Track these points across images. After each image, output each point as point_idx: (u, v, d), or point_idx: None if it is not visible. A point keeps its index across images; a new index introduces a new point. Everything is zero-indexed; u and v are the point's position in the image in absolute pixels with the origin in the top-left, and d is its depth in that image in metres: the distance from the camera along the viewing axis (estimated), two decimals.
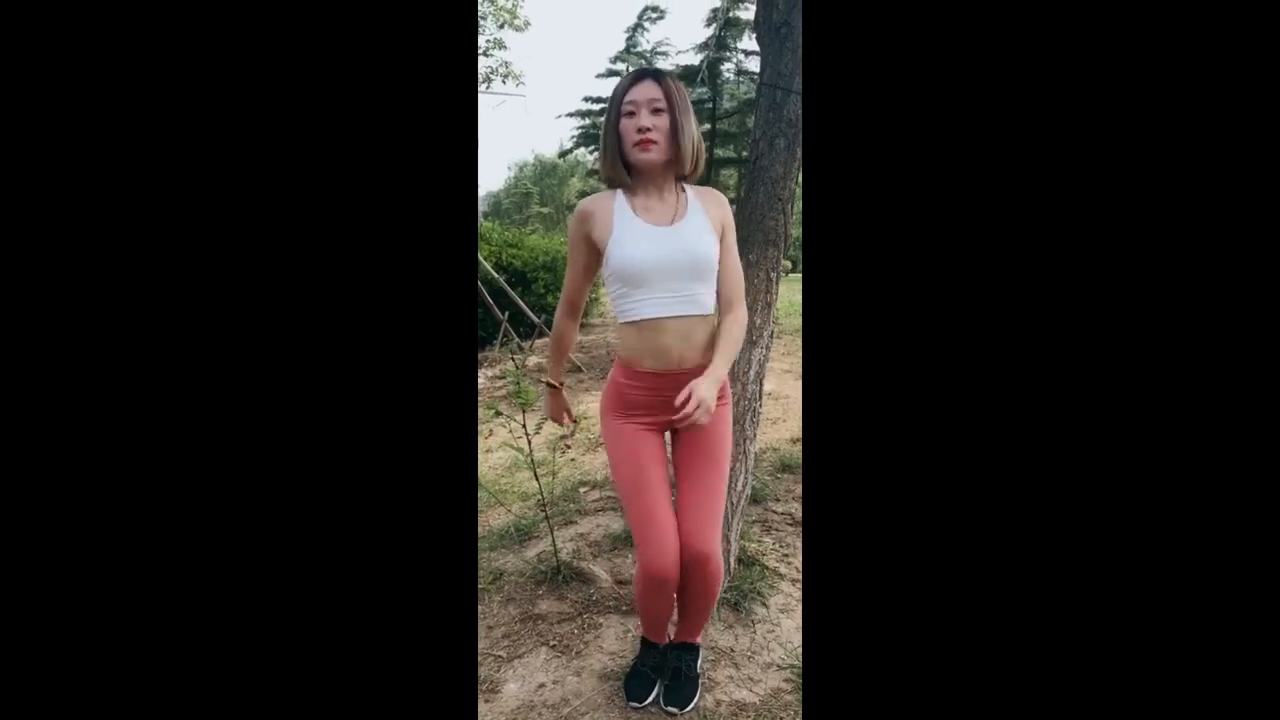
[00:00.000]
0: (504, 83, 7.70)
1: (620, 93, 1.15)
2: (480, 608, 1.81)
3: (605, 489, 2.60)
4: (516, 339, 5.42)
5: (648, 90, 1.13)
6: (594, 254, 1.21)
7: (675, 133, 1.13)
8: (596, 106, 6.60)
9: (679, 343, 1.17)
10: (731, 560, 1.80)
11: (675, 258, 1.14)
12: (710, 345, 1.19)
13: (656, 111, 1.12)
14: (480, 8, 6.62)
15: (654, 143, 1.12)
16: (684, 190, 1.21)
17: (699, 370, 1.17)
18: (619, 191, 1.20)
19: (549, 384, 1.43)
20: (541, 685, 1.48)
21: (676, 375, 1.18)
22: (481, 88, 7.79)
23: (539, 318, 5.50)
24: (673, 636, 1.44)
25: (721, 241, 1.20)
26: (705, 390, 1.06)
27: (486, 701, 1.44)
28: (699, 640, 1.43)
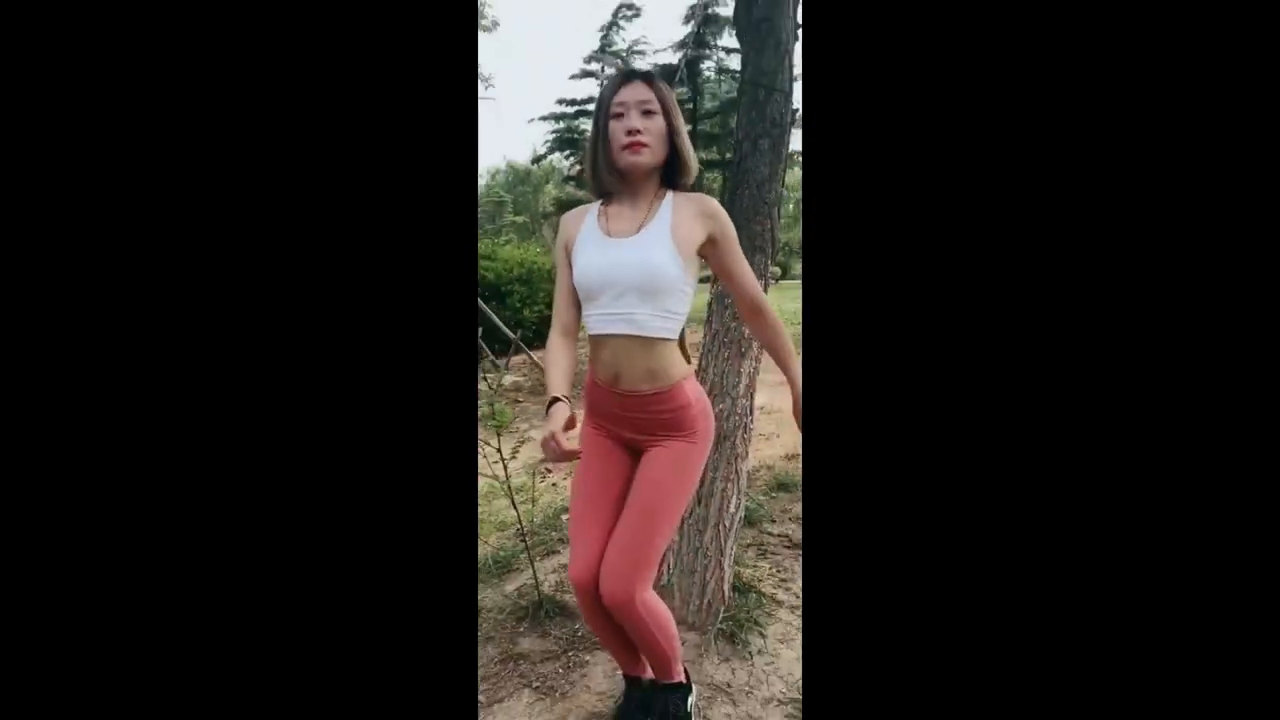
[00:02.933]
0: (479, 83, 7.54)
1: (608, 95, 1.10)
2: None
3: None
4: (491, 356, 5.29)
5: (638, 92, 1.07)
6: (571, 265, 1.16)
7: (671, 135, 1.09)
8: (571, 109, 6.49)
9: (615, 362, 1.11)
10: (726, 588, 1.70)
11: (622, 272, 1.06)
12: (652, 370, 1.10)
13: (648, 114, 1.07)
14: None
15: (644, 145, 1.06)
16: (663, 199, 1.11)
17: (634, 395, 1.12)
18: (599, 202, 1.15)
19: (553, 398, 1.10)
20: None
21: (612, 393, 1.13)
22: None
23: (515, 333, 5.36)
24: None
25: (714, 249, 1.12)
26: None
27: None
28: (679, 678, 1.31)
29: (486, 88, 7.61)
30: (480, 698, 1.47)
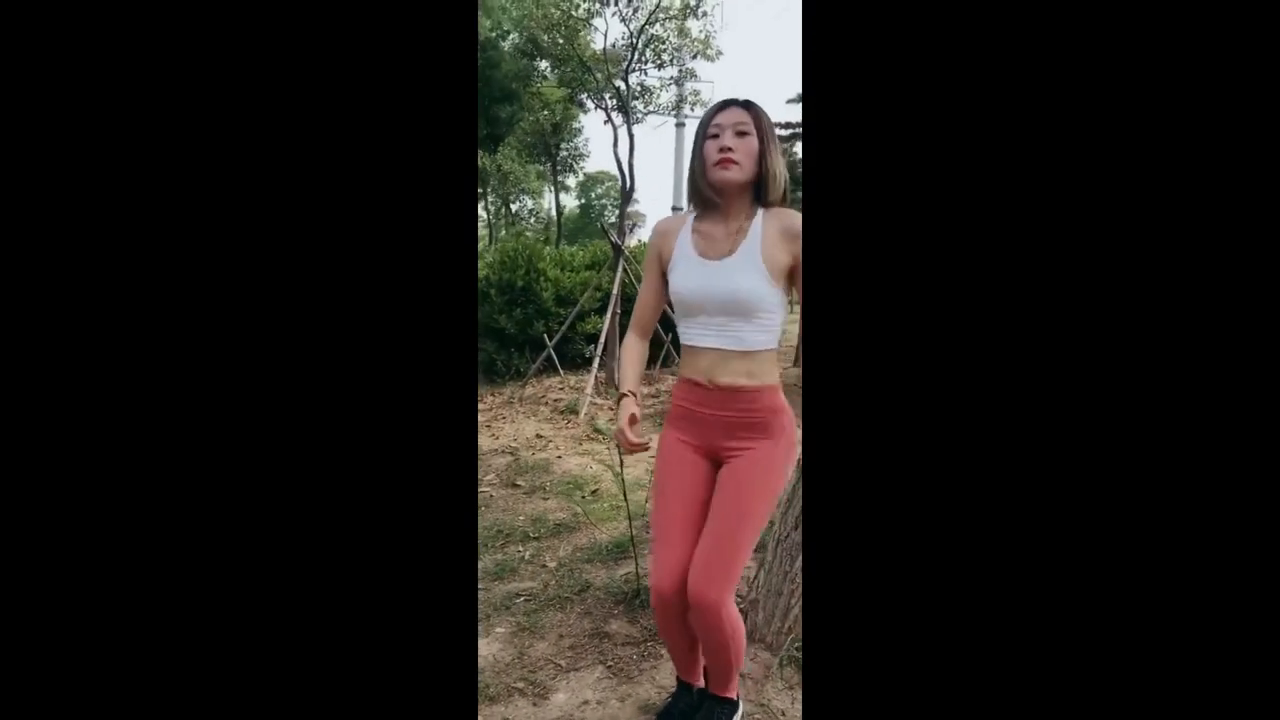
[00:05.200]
0: (692, 110, 7.96)
1: (707, 118, 1.19)
2: (559, 615, 1.89)
3: None
4: (678, 359, 5.52)
5: (734, 115, 1.15)
6: (663, 274, 1.25)
7: (761, 157, 1.14)
8: (785, 132, 6.54)
9: (713, 366, 1.18)
10: None
11: (717, 295, 1.14)
12: (751, 372, 1.17)
13: (741, 134, 1.14)
14: (674, 39, 6.93)
15: (735, 162, 1.13)
16: (754, 217, 1.17)
17: (728, 390, 1.18)
18: (692, 215, 1.23)
19: (622, 394, 1.26)
20: (585, 702, 1.50)
21: (708, 389, 1.20)
22: (672, 115, 8.17)
23: (666, 337, 5.54)
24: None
25: (797, 271, 1.15)
26: None
27: (535, 705, 1.50)
28: (732, 694, 1.34)
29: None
30: (561, 662, 1.66)
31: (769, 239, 1.14)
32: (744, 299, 1.13)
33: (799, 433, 1.21)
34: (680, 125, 9.69)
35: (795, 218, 1.15)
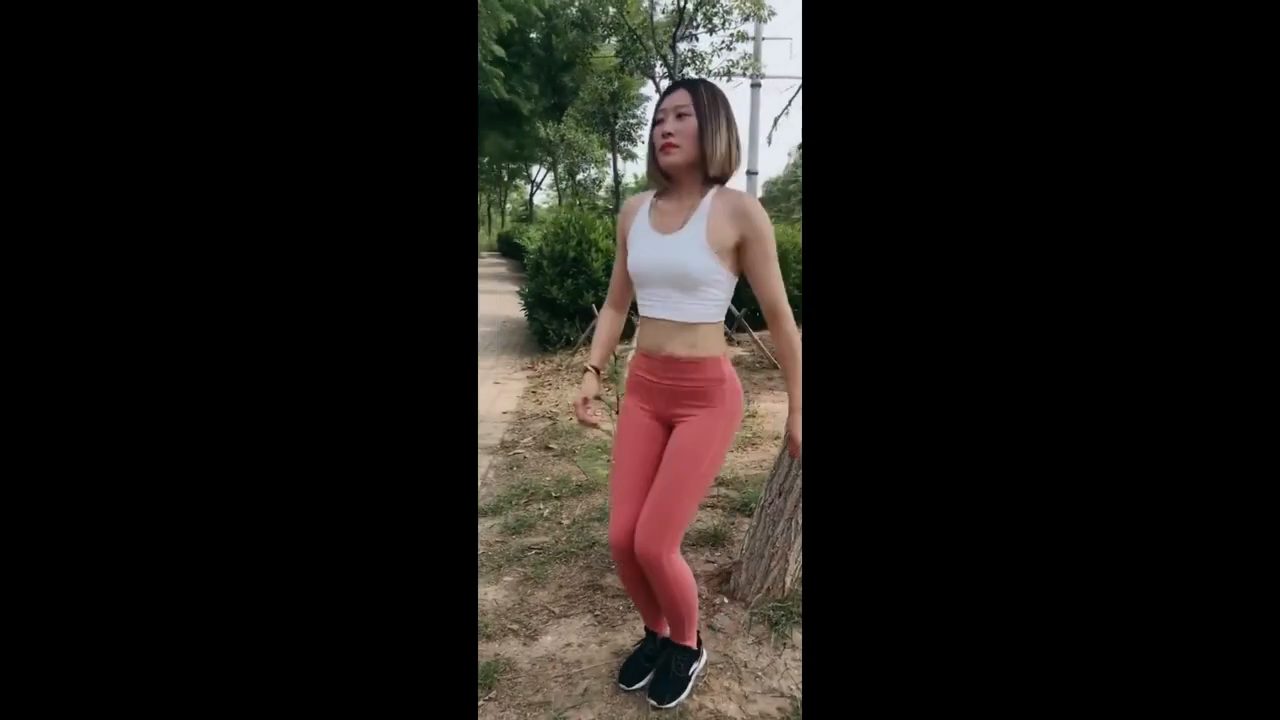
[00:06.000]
0: (744, 75, 7.75)
1: (657, 104, 1.24)
2: (563, 568, 2.04)
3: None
4: (750, 330, 5.48)
5: (676, 99, 1.19)
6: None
7: (700, 135, 1.18)
8: None
9: (664, 337, 1.25)
10: (787, 579, 1.75)
11: (662, 266, 1.21)
12: (693, 343, 1.24)
13: (681, 117, 1.18)
14: (725, 1, 6.73)
15: (675, 146, 1.18)
16: (705, 196, 1.21)
17: (673, 359, 1.26)
18: (653, 192, 1.30)
19: (585, 367, 1.43)
20: (568, 644, 1.65)
21: (655, 359, 1.29)
22: (721, 80, 7.99)
23: (739, 311, 5.50)
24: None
25: (744, 249, 1.20)
26: (795, 427, 1.25)
27: (524, 645, 1.66)
28: (691, 644, 1.44)
29: (754, 74, 7.80)
30: (556, 609, 1.81)
31: (717, 217, 1.18)
32: (686, 272, 1.18)
33: (745, 403, 1.31)
34: (756, 86, 9.48)
35: (746, 201, 1.20)
